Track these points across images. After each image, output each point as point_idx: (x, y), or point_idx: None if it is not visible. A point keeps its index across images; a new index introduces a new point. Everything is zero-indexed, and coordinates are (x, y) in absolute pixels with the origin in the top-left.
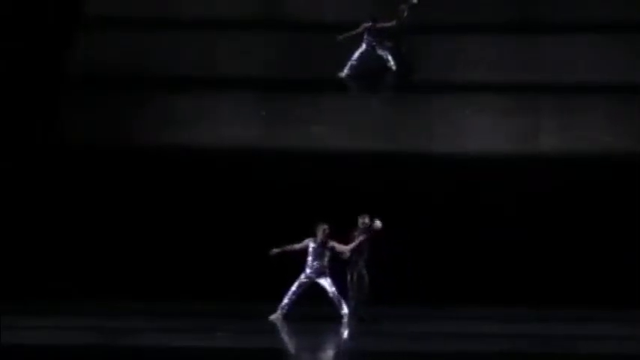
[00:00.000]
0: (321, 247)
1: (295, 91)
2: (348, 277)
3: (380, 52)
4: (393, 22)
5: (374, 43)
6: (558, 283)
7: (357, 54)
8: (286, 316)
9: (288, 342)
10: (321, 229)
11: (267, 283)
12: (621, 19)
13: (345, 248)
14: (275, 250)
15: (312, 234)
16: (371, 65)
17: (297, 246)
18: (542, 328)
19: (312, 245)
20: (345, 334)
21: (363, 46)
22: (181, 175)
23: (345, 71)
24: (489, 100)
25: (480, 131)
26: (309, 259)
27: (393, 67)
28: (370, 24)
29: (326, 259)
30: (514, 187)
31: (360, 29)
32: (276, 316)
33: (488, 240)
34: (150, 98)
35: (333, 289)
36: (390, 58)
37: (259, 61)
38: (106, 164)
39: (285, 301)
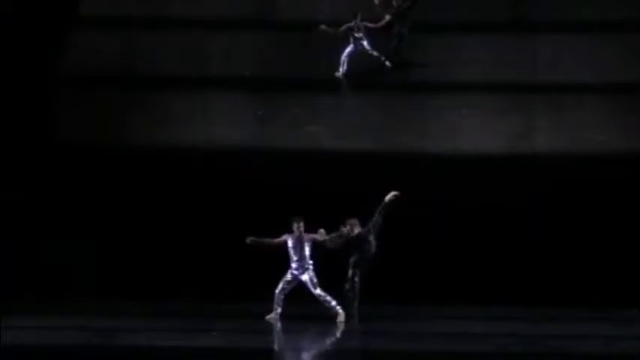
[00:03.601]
0: (299, 242)
1: (290, 91)
2: (350, 274)
3: (369, 49)
4: (384, 20)
5: (362, 41)
6: (556, 283)
7: (345, 52)
8: (282, 316)
9: (285, 342)
10: (296, 225)
11: (263, 283)
12: (616, 18)
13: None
14: (252, 239)
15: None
16: (366, 64)
17: (276, 241)
18: (542, 328)
19: (290, 242)
20: (344, 333)
21: (351, 45)
22: (176, 175)
23: (340, 70)
24: (486, 100)
25: (477, 130)
26: (290, 255)
27: (388, 64)
28: (353, 22)
29: (306, 254)
30: (511, 186)
31: (342, 29)
32: (272, 316)
33: (486, 240)
34: (145, 98)
35: (317, 290)
36: (381, 55)
37: (254, 60)
38: (101, 164)
39: (275, 300)
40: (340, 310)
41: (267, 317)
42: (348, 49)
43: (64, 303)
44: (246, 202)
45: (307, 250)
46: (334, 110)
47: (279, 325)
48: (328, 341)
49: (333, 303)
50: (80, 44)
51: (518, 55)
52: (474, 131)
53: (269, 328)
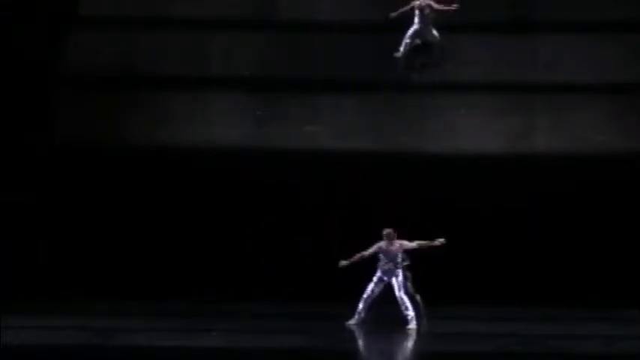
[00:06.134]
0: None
1: (290, 91)
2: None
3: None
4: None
5: (427, 21)
6: (556, 283)
7: (409, 32)
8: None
9: (284, 342)
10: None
11: (262, 283)
12: (616, 18)
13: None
14: (344, 263)
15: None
16: (367, 63)
17: (367, 253)
18: (542, 328)
19: (381, 249)
20: (345, 333)
21: (415, 24)
22: (176, 175)
23: (401, 50)
24: (486, 100)
25: (477, 130)
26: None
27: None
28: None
29: (397, 260)
30: (511, 186)
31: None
32: (352, 322)
33: (486, 239)
34: (145, 98)
35: (401, 293)
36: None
37: (254, 60)
38: (101, 164)
39: (361, 305)
40: (413, 320)
41: (348, 323)
42: (412, 29)
43: (64, 303)
44: (246, 202)
45: (399, 257)
46: (334, 110)
47: (279, 324)
48: (327, 341)
49: (410, 311)
50: (80, 44)
51: (518, 55)
52: (473, 131)
53: (269, 328)
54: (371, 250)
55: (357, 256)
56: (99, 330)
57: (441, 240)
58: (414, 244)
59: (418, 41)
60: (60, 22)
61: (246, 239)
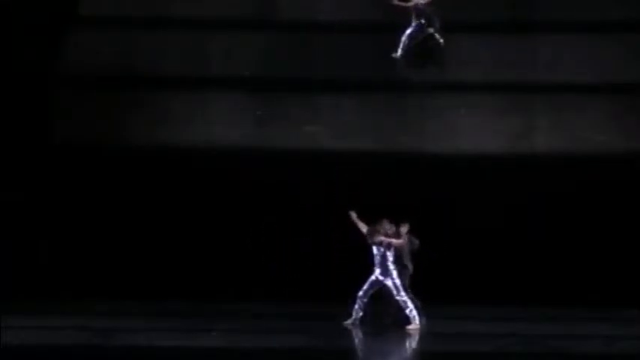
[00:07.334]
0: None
1: (290, 91)
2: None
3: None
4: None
5: (423, 21)
6: (556, 283)
7: (406, 33)
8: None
9: (284, 342)
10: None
11: (262, 283)
12: (616, 18)
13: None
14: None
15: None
16: (367, 63)
17: (364, 229)
18: (542, 328)
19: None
20: (343, 333)
21: (413, 25)
22: (176, 175)
23: (399, 52)
24: (486, 100)
25: (477, 130)
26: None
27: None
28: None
29: (388, 259)
30: (511, 186)
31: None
32: (350, 322)
33: (486, 239)
34: (145, 98)
35: (399, 297)
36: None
37: (254, 60)
38: (101, 164)
39: (357, 303)
40: (415, 318)
41: (345, 323)
42: (410, 30)
43: (64, 303)
44: (246, 202)
45: (389, 253)
46: (334, 110)
47: (279, 325)
48: (327, 341)
49: (411, 310)
50: (80, 44)
51: (518, 55)
52: (473, 131)
53: (269, 328)
54: (362, 225)
55: (360, 222)
56: (99, 330)
57: (405, 225)
58: (399, 241)
59: (421, 35)
60: (60, 22)
61: (246, 239)
